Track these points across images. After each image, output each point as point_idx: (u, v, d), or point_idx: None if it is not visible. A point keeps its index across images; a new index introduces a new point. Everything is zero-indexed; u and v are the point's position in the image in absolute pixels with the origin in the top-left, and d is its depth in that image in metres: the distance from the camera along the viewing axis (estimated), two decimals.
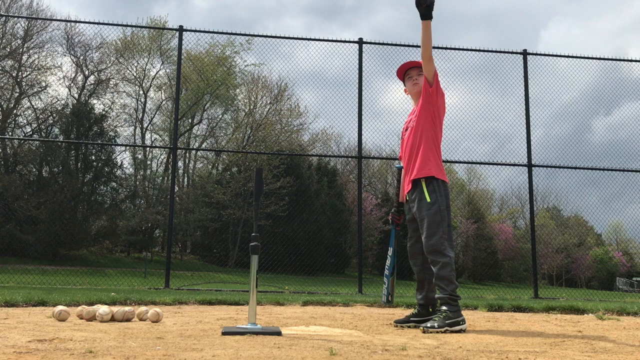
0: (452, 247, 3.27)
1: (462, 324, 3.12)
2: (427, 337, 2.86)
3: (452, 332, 3.05)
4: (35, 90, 24.29)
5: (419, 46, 9.60)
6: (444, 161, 4.02)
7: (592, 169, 9.33)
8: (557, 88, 9.92)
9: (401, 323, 3.41)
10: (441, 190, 3.30)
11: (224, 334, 2.69)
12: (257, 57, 27.43)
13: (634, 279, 40.64)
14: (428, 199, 3.28)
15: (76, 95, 25.73)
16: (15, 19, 23.17)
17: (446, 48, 9.11)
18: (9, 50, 23.17)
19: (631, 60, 9.73)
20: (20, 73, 23.83)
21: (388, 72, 9.05)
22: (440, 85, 3.39)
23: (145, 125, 28.95)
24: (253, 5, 66.51)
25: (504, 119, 9.91)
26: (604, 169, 9.33)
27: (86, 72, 25.98)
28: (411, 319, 3.44)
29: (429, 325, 3.08)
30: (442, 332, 3.02)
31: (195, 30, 9.01)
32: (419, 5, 3.25)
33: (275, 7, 69.40)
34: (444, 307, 3.16)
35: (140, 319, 3.36)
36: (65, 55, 24.90)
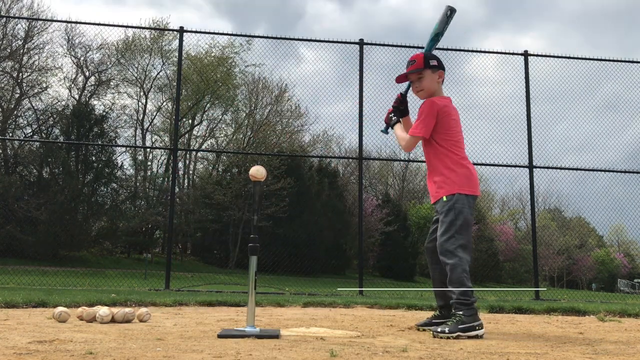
0: (466, 249, 3.13)
1: (478, 329, 2.94)
2: (428, 338, 2.85)
3: (466, 337, 2.87)
4: (36, 91, 24.30)
5: (420, 47, 9.60)
6: None
7: (593, 169, 9.31)
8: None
9: (423, 326, 3.32)
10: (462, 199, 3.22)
11: (219, 337, 2.64)
12: (258, 57, 27.21)
13: (636, 280, 40.59)
14: (444, 199, 3.22)
15: (77, 96, 25.75)
16: (16, 20, 23.18)
17: (446, 49, 9.10)
18: (9, 51, 23.18)
19: (631, 61, 9.69)
20: (20, 74, 23.84)
21: (391, 69, 9.02)
22: (431, 121, 3.28)
23: (145, 126, 28.95)
24: None
25: (509, 119, 9.86)
26: (604, 170, 9.31)
27: (87, 73, 26.01)
28: (433, 321, 3.31)
29: (439, 329, 2.93)
30: (453, 338, 2.84)
31: (195, 31, 9.10)
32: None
33: None
34: (458, 312, 2.99)
35: (141, 321, 3.36)
36: (65, 56, 24.96)
